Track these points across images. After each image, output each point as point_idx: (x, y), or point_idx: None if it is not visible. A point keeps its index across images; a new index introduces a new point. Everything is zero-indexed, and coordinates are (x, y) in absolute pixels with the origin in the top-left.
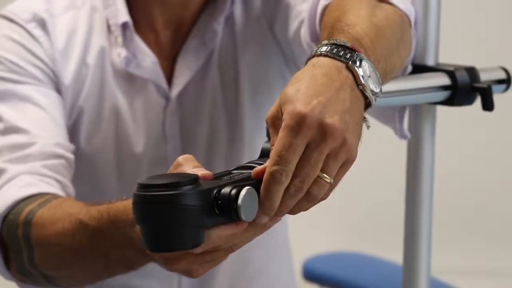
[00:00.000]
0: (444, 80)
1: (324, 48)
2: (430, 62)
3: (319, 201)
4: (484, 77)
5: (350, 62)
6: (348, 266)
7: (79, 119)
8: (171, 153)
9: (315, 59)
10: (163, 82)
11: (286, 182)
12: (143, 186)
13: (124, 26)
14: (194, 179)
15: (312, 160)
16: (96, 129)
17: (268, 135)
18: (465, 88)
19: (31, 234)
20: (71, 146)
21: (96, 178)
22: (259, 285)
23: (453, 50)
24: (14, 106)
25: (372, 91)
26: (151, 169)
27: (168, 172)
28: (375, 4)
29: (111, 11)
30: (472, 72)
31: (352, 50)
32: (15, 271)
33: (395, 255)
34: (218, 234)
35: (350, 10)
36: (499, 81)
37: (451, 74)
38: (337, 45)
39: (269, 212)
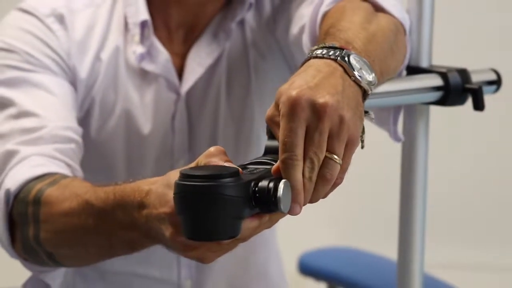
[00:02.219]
0: (437, 81)
1: (315, 52)
2: (424, 64)
3: (335, 186)
4: (475, 78)
5: (338, 58)
6: (343, 261)
7: (90, 110)
8: (178, 146)
9: (307, 62)
10: (174, 78)
11: (299, 165)
12: (186, 176)
13: (143, 24)
14: (235, 172)
15: (315, 140)
16: (107, 120)
17: (268, 133)
18: (457, 89)
19: (39, 211)
20: (80, 129)
21: (104, 167)
22: (260, 283)
23: (446, 53)
24: (26, 92)
25: (366, 80)
26: (157, 160)
27: (196, 160)
28: (370, 12)
29: (131, 9)
30: (463, 73)
31: (341, 49)
32: (20, 249)
33: (389, 251)
34: (246, 225)
35: (344, 17)
36: (490, 82)
37: (443, 75)
38: (327, 47)
39: (299, 200)
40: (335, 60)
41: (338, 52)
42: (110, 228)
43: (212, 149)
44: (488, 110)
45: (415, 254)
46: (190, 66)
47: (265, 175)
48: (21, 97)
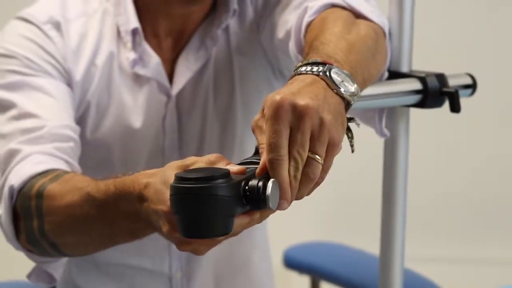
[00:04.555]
0: (416, 85)
1: (299, 69)
2: (404, 69)
3: (317, 185)
4: (452, 82)
5: (321, 73)
6: (326, 255)
7: (86, 112)
8: (168, 145)
9: (292, 78)
10: (165, 81)
11: (285, 164)
12: (180, 179)
13: (134, 32)
14: (226, 173)
15: (298, 140)
16: (102, 121)
17: None
18: (435, 93)
19: (42, 205)
20: (78, 128)
21: (100, 165)
22: (243, 273)
23: (425, 58)
24: (26, 94)
25: (348, 91)
26: (149, 159)
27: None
28: (350, 21)
29: (122, 18)
30: (441, 78)
31: (323, 63)
32: (24, 241)
33: (371, 247)
34: (238, 222)
35: (326, 29)
36: (466, 86)
37: (422, 80)
38: (310, 63)
39: (287, 196)
40: (317, 75)
41: (321, 67)
42: (113, 217)
43: (212, 158)
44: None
45: (396, 250)
46: (180, 70)
47: (255, 174)
48: (21, 100)
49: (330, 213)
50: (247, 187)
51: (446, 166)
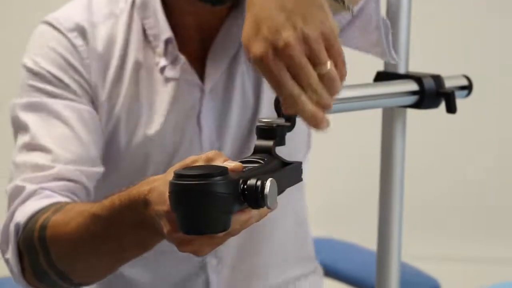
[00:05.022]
0: (413, 86)
1: None
2: (401, 70)
3: (342, 79)
4: (448, 83)
5: None
6: (325, 250)
7: (117, 125)
8: (205, 139)
9: None
10: (195, 78)
11: (302, 96)
12: (179, 176)
13: (167, 41)
14: (223, 171)
15: (299, 71)
16: (135, 131)
17: (257, 133)
18: (431, 94)
19: (46, 235)
20: (94, 172)
21: (136, 173)
22: (268, 246)
23: (422, 60)
24: (43, 119)
25: None
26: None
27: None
28: None
29: (150, 22)
30: (437, 79)
31: None
32: (31, 277)
33: (369, 242)
34: (236, 219)
35: None
36: (462, 88)
37: (419, 81)
38: None
39: (322, 123)
40: None
41: None
42: (120, 232)
43: (210, 154)
44: (465, 110)
45: (393, 245)
46: (210, 66)
47: (253, 173)
48: (37, 126)
49: (328, 209)
50: (245, 186)
51: (445, 166)
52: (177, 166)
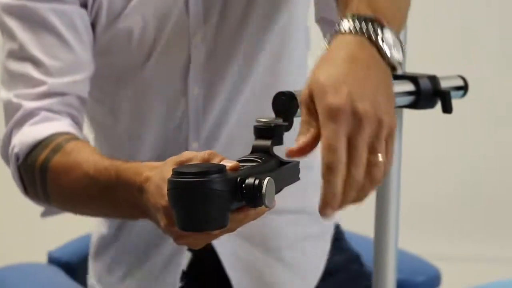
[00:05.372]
0: (409, 86)
1: (346, 25)
2: (398, 71)
3: (380, 182)
4: (444, 84)
5: (373, 36)
6: None
7: (99, 10)
8: (193, 24)
9: (339, 38)
10: None
11: (343, 170)
12: (178, 173)
13: None
14: (222, 168)
15: (358, 145)
16: (119, 12)
17: (255, 134)
18: (427, 94)
19: (47, 179)
20: (86, 78)
21: (118, 53)
22: (285, 220)
23: (418, 61)
24: (30, 28)
25: (397, 60)
26: (171, 39)
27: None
28: None
29: None
30: (433, 79)
31: (374, 21)
32: (32, 197)
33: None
34: (234, 217)
35: None
36: (458, 88)
37: (415, 81)
38: (360, 18)
39: (333, 203)
40: (369, 38)
41: (372, 28)
42: (114, 201)
43: (206, 155)
44: (460, 112)
45: (390, 234)
46: None
47: (251, 171)
48: (25, 34)
49: None
50: (243, 185)
51: (441, 165)
52: (171, 162)
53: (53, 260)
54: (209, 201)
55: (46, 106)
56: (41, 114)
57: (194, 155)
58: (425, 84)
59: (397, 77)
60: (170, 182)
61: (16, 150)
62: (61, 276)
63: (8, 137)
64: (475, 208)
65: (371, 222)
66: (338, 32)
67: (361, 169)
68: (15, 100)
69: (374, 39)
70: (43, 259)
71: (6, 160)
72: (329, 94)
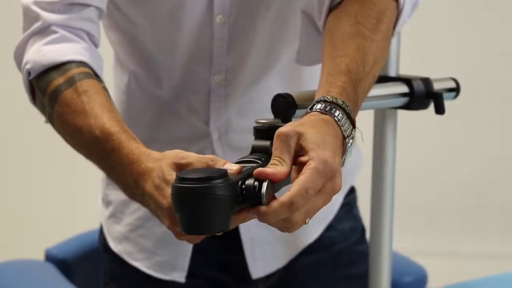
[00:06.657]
0: (403, 88)
1: (319, 106)
2: (392, 73)
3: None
4: (437, 86)
5: (339, 119)
6: None
7: None
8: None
9: (323, 116)
10: None
11: (303, 208)
12: (181, 179)
13: None
14: (224, 173)
15: (321, 198)
16: None
17: (255, 134)
18: (421, 95)
19: (54, 110)
20: None
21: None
22: None
23: (412, 63)
24: None
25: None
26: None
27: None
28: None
29: None
30: (426, 81)
31: (342, 108)
32: (38, 108)
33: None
34: (235, 218)
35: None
36: (450, 90)
37: (409, 83)
38: (333, 104)
39: (268, 220)
40: (336, 121)
41: (340, 112)
42: (112, 170)
43: (209, 161)
44: (453, 112)
45: (384, 237)
46: None
47: (251, 173)
48: None
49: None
50: (243, 186)
51: (434, 165)
52: (169, 161)
53: (50, 258)
54: (212, 206)
55: (64, 21)
56: (59, 33)
57: (196, 159)
58: (418, 86)
59: (391, 79)
60: (173, 187)
61: (28, 66)
62: (53, 274)
63: (23, 47)
64: (464, 206)
65: (366, 223)
66: (317, 110)
67: (303, 215)
68: (33, 7)
69: (338, 121)
70: (40, 256)
71: (19, 67)
72: (327, 152)
